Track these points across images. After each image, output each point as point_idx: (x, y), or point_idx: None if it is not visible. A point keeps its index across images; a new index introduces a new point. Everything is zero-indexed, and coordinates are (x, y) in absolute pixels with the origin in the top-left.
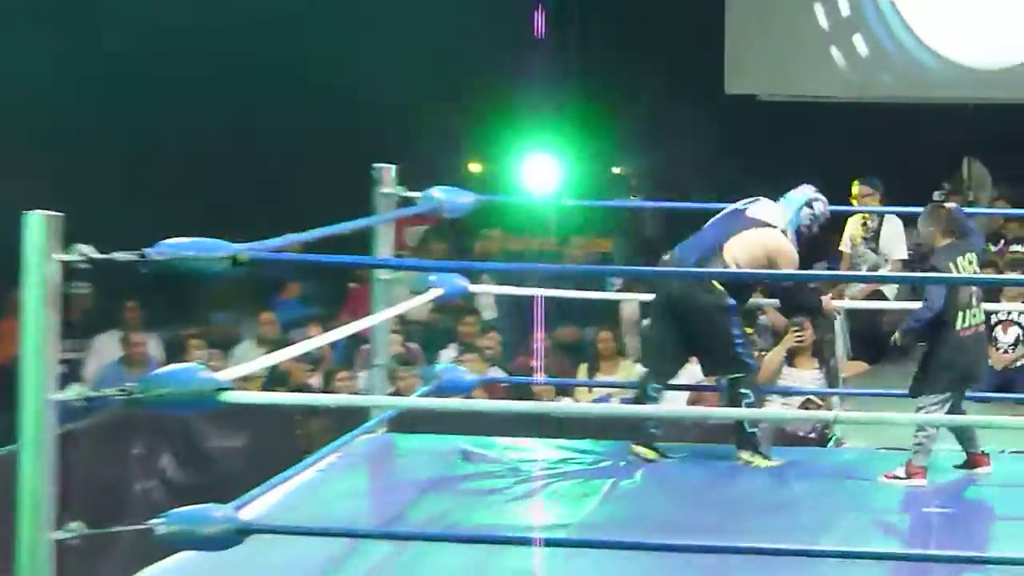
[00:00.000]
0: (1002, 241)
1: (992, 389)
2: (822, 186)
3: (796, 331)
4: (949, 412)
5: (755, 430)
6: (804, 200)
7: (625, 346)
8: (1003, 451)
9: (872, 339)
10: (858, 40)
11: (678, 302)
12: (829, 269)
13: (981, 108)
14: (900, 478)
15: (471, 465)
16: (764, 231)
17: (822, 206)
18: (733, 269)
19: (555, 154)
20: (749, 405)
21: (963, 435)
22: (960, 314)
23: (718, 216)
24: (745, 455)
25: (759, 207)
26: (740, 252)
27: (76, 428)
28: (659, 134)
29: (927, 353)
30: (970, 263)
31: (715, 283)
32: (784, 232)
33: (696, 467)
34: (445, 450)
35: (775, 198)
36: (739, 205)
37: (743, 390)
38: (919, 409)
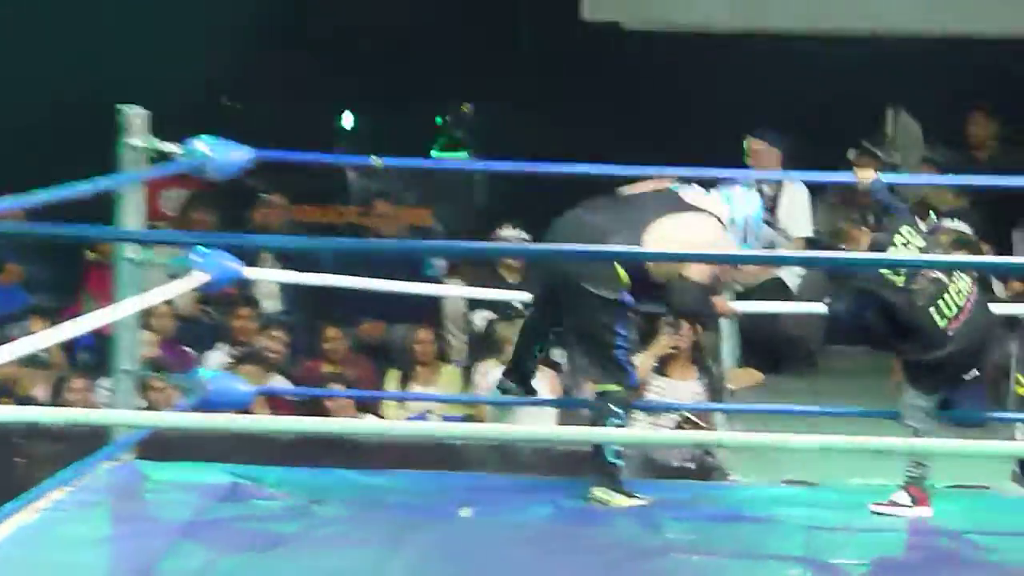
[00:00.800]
0: (932, 214)
1: None
2: (706, 141)
3: (671, 332)
4: (944, 406)
5: (618, 460)
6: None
7: (449, 348)
8: (932, 486)
9: (768, 342)
10: None
11: (562, 281)
12: None
13: (908, 42)
14: (902, 506)
15: (243, 504)
16: (700, 218)
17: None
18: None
19: (362, 98)
20: (619, 428)
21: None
22: (934, 308)
23: (644, 193)
24: (600, 492)
25: (695, 193)
26: (665, 237)
27: None
28: (499, 72)
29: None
30: (904, 245)
31: (618, 267)
32: (723, 224)
33: (538, 507)
34: (211, 483)
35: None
36: (671, 186)
37: (613, 406)
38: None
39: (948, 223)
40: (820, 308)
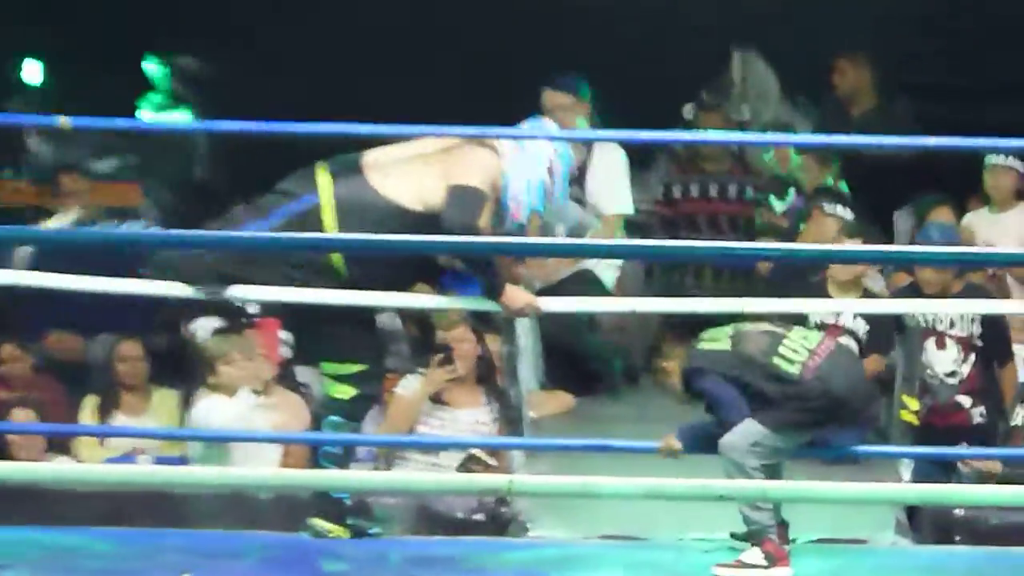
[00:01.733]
0: (792, 191)
1: None
2: (497, 93)
3: (443, 358)
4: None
5: (343, 496)
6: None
7: (164, 366)
8: (794, 540)
9: (578, 355)
10: None
11: None
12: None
13: None
14: (754, 567)
15: None
16: (455, 142)
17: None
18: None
19: (50, 44)
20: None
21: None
22: (777, 357)
23: None
24: (317, 522)
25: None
26: (402, 174)
27: None
28: (229, 12)
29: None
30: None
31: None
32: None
33: (276, 571)
34: None
35: None
36: None
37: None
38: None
39: (828, 208)
40: (642, 306)
